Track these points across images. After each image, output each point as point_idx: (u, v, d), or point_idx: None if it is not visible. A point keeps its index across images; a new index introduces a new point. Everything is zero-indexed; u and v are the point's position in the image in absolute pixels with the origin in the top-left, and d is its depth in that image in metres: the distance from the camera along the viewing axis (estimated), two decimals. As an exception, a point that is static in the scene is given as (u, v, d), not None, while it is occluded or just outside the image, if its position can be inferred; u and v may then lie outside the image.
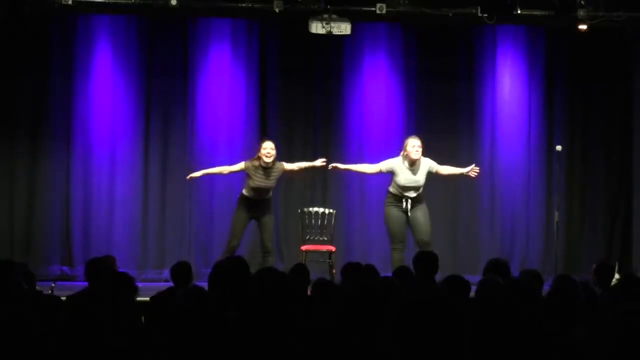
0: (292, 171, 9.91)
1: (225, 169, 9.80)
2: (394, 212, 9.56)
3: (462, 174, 9.83)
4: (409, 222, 9.58)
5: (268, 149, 9.52)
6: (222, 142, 11.03)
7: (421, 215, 9.56)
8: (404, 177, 9.49)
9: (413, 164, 9.49)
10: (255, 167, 9.49)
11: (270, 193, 9.65)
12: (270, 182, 9.55)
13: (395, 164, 9.53)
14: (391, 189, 9.59)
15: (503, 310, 3.92)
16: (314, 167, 10.04)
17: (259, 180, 9.48)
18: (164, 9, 10.02)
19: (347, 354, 3.65)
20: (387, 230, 9.71)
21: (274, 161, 9.57)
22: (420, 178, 9.53)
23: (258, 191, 9.51)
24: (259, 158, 9.50)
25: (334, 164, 9.86)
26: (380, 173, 9.72)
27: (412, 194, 9.54)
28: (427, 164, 9.58)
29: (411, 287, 5.53)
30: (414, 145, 9.50)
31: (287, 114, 11.21)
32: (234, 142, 11.03)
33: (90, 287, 5.89)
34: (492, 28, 11.10)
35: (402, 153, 9.59)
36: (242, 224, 9.60)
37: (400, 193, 9.53)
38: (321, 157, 11.03)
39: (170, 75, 11.10)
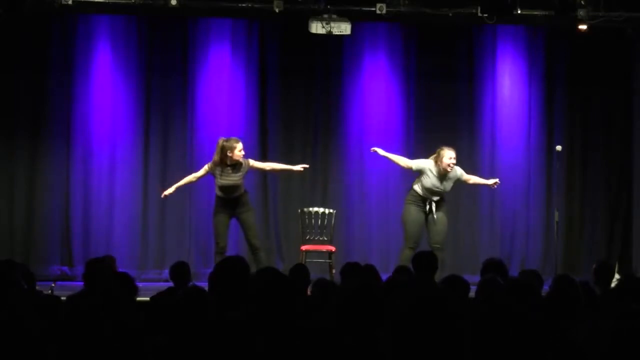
0: (262, 169, 9.92)
1: (193, 178, 9.77)
2: (414, 211, 9.56)
3: (485, 185, 9.91)
4: (427, 223, 9.58)
5: (242, 149, 9.48)
6: (222, 142, 11.03)
7: (440, 219, 9.55)
8: (432, 181, 9.50)
9: (444, 173, 9.50)
10: (220, 167, 9.46)
11: (241, 189, 9.58)
12: (236, 180, 9.50)
13: (427, 166, 9.53)
14: (416, 188, 9.57)
15: (503, 310, 3.92)
16: (292, 171, 10.01)
17: (224, 180, 9.46)
18: (164, 9, 10.02)
19: (347, 354, 3.65)
20: (403, 229, 9.69)
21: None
22: (447, 186, 9.57)
23: (226, 189, 9.49)
24: (227, 157, 9.42)
25: (374, 148, 9.86)
26: (410, 170, 9.72)
27: (436, 198, 9.55)
28: (457, 174, 9.62)
29: (411, 286, 5.53)
30: (450, 157, 9.49)
31: (287, 114, 11.22)
32: (234, 142, 11.02)
33: (87, 287, 5.89)
34: (492, 28, 11.10)
35: (433, 157, 9.58)
36: (223, 223, 9.59)
37: (425, 194, 9.54)
38: (320, 157, 11.07)
39: (170, 75, 11.10)
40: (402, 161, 9.79)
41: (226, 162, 9.45)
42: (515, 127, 11.35)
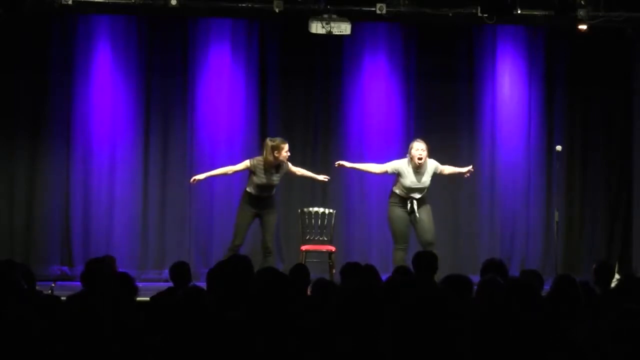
0: (293, 174, 9.91)
1: (229, 170, 9.79)
2: (398, 212, 9.57)
3: (460, 173, 9.88)
4: (412, 222, 9.58)
5: (288, 149, 9.52)
6: (222, 142, 11.04)
7: (425, 216, 9.57)
8: (410, 179, 9.51)
9: (418, 167, 9.50)
10: (263, 165, 9.49)
11: (274, 190, 9.66)
12: (276, 180, 9.58)
13: (402, 165, 9.54)
14: (396, 190, 9.59)
15: (503, 310, 3.92)
16: (314, 180, 10.04)
17: (265, 178, 9.50)
18: (164, 9, 10.02)
19: (347, 353, 3.65)
20: (390, 231, 9.71)
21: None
22: (425, 180, 9.56)
23: (263, 188, 9.52)
24: (275, 157, 9.47)
25: (340, 162, 9.88)
26: (385, 174, 9.72)
27: (417, 195, 9.55)
28: (433, 166, 9.61)
29: (411, 286, 5.53)
30: (417, 149, 9.51)
31: (287, 114, 11.21)
32: (233, 142, 11.03)
33: (86, 288, 5.88)
34: (492, 28, 11.10)
35: (407, 156, 9.60)
36: (247, 221, 9.60)
37: (405, 194, 9.54)
38: (321, 157, 11.09)
39: (170, 75, 11.10)
40: (374, 168, 9.79)
41: (273, 163, 9.48)
42: (515, 127, 11.34)
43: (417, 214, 9.53)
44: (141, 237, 10.98)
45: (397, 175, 9.60)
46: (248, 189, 9.60)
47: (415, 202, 9.55)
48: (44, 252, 10.85)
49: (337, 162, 9.93)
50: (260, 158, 9.56)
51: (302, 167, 10.17)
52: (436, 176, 9.70)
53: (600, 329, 3.73)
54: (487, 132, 11.35)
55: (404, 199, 9.57)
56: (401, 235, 9.58)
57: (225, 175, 9.91)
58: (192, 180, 9.87)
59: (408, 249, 9.49)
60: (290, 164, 9.73)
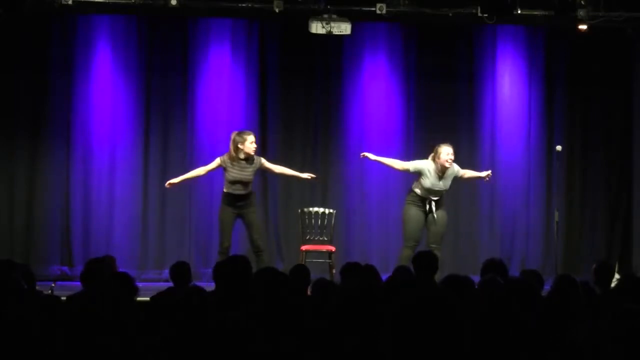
0: (271, 171, 9.87)
1: (202, 170, 9.75)
2: (414, 211, 9.54)
3: (479, 177, 9.88)
4: (427, 222, 9.56)
5: (254, 142, 9.49)
6: (222, 142, 11.01)
7: (440, 219, 9.53)
8: (431, 181, 9.47)
9: (443, 171, 9.49)
10: (233, 160, 9.46)
11: (250, 187, 9.59)
12: (248, 175, 9.51)
13: (425, 166, 9.50)
14: (416, 190, 9.55)
15: (503, 310, 3.92)
16: (298, 178, 9.99)
17: (236, 173, 9.45)
18: (164, 9, 10.02)
19: (347, 354, 3.65)
20: (403, 229, 9.66)
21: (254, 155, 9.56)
22: (447, 183, 9.55)
23: (237, 184, 9.46)
24: (239, 150, 9.45)
25: (365, 153, 9.85)
26: (407, 172, 9.71)
27: (435, 198, 9.53)
28: (455, 170, 9.61)
29: (411, 286, 5.53)
30: (448, 153, 9.48)
31: (287, 114, 11.21)
32: (233, 142, 11.02)
33: (85, 288, 5.88)
34: (492, 28, 11.10)
35: (431, 156, 9.56)
36: (229, 221, 9.55)
37: (425, 195, 9.52)
38: (321, 157, 11.07)
39: (170, 75, 11.10)
40: (397, 164, 9.77)
41: (239, 156, 9.45)
42: (515, 127, 11.35)
43: (435, 215, 9.51)
44: (141, 237, 10.98)
45: (418, 176, 9.57)
46: (225, 189, 9.57)
47: (433, 203, 9.53)
48: (44, 252, 10.85)
49: (362, 153, 9.89)
50: (228, 153, 9.54)
51: (302, 167, 10.15)
52: (456, 180, 9.70)
53: (600, 329, 3.73)
54: (487, 132, 11.36)
55: (422, 199, 9.54)
56: (411, 234, 9.54)
57: (199, 176, 9.88)
58: (167, 184, 9.86)
59: (417, 248, 9.43)
60: (264, 160, 9.68)
